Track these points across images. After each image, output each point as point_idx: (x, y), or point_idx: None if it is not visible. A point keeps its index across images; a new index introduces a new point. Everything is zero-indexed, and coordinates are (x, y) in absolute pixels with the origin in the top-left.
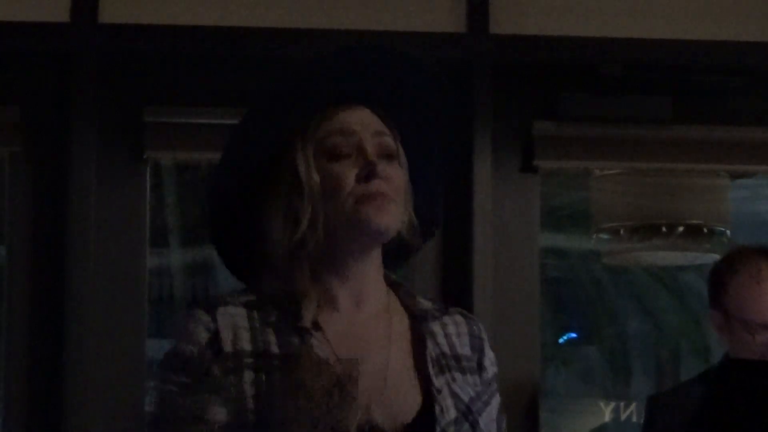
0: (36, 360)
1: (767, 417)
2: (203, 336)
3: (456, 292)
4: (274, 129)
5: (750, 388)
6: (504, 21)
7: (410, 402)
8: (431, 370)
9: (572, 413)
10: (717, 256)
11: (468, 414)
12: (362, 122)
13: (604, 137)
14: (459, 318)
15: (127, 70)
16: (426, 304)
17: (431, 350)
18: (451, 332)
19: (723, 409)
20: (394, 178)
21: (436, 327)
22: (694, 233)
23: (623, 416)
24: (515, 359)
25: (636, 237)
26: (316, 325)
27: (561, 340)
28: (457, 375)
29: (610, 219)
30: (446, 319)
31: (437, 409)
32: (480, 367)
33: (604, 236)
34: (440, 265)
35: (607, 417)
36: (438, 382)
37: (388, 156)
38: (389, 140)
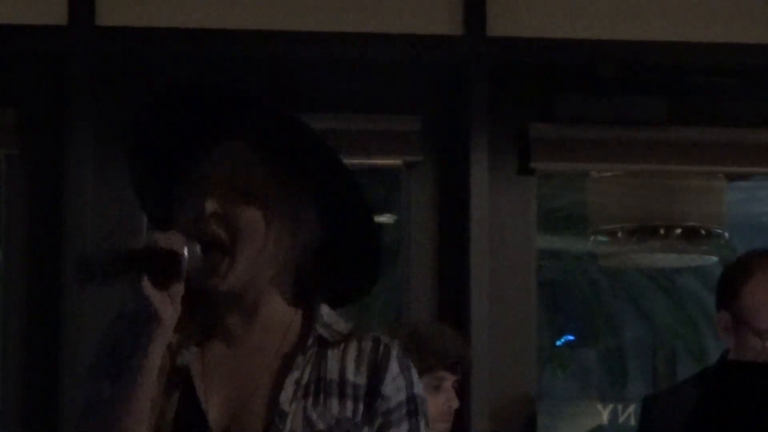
0: (32, 361)
1: (763, 418)
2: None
3: (452, 295)
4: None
5: (747, 389)
6: (501, 23)
7: (256, 423)
8: (282, 395)
9: (569, 415)
10: (714, 258)
11: None
12: (218, 159)
13: (600, 139)
14: (366, 344)
15: (124, 73)
16: (339, 328)
17: (300, 375)
18: (349, 357)
19: (719, 409)
20: (237, 218)
21: (332, 353)
22: (691, 235)
23: (621, 418)
24: (512, 362)
25: (633, 239)
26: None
27: (558, 343)
28: (331, 401)
29: (606, 221)
30: (352, 344)
31: None
32: (375, 394)
33: (601, 238)
34: (437, 267)
35: (605, 419)
36: (289, 406)
37: (244, 194)
38: (248, 178)
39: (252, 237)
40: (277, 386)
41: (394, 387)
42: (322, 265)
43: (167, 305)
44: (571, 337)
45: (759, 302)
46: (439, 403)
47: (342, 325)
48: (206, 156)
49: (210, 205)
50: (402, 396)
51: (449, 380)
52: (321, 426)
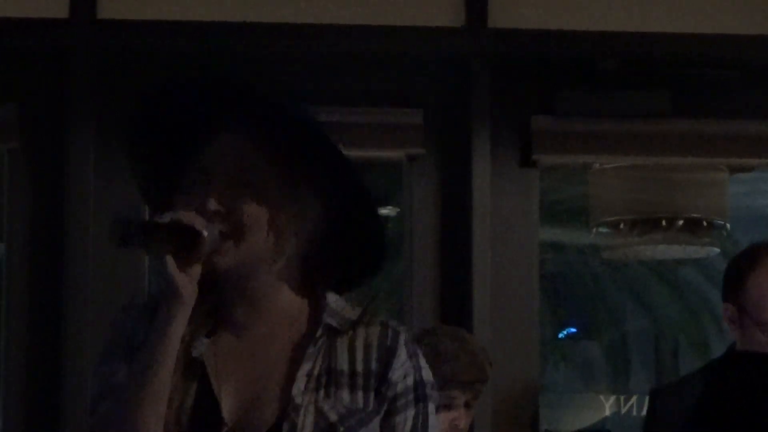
0: (35, 354)
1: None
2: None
3: (455, 287)
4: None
5: (753, 380)
6: (502, 15)
7: (269, 415)
8: (295, 388)
9: (572, 408)
10: (716, 250)
11: (329, 431)
12: (219, 153)
13: (602, 132)
14: (374, 329)
15: (125, 66)
16: (346, 315)
17: (311, 367)
18: (358, 345)
19: (725, 400)
20: (240, 212)
21: (340, 341)
22: (694, 227)
23: (623, 410)
24: (514, 354)
25: (635, 231)
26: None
27: (560, 335)
28: (341, 392)
29: (608, 213)
30: (360, 330)
31: (285, 426)
32: (383, 381)
33: (603, 230)
34: (439, 260)
35: (607, 411)
36: (302, 398)
37: (245, 186)
38: (249, 171)
39: (255, 230)
40: (289, 378)
41: (401, 373)
42: (327, 255)
43: (188, 284)
44: (573, 330)
45: (762, 294)
46: (447, 420)
47: (350, 312)
48: (207, 150)
49: (212, 201)
50: (409, 381)
51: (461, 399)
52: (333, 417)
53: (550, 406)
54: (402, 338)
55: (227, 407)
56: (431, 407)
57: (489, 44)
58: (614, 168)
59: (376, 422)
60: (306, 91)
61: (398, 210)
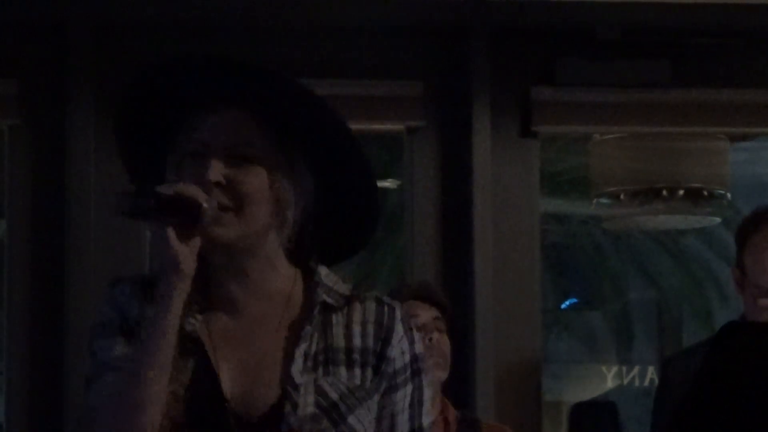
0: (37, 331)
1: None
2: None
3: (456, 259)
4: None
5: (748, 351)
6: None
7: (269, 394)
8: (294, 367)
9: (575, 378)
10: (717, 219)
11: (331, 410)
12: (217, 127)
13: (603, 102)
14: (370, 305)
15: (124, 41)
16: (340, 290)
17: (308, 346)
18: (354, 321)
19: (720, 372)
20: (241, 183)
21: (336, 317)
22: (694, 196)
23: (626, 380)
24: (517, 325)
25: (636, 201)
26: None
27: (562, 306)
28: (339, 370)
29: (610, 183)
30: (355, 306)
31: (287, 405)
32: (381, 357)
33: (605, 201)
34: (440, 231)
35: (610, 381)
36: (301, 378)
37: (244, 159)
38: (247, 144)
39: (255, 201)
40: (287, 357)
41: (399, 349)
42: (319, 227)
43: (188, 256)
44: (575, 300)
45: (760, 257)
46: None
47: (342, 287)
48: (205, 123)
49: (213, 173)
50: (407, 358)
51: (425, 312)
52: (334, 396)
53: (553, 377)
54: (398, 314)
55: (227, 385)
56: (425, 380)
57: (488, 15)
58: (615, 138)
59: (374, 399)
60: (306, 63)
61: (399, 182)
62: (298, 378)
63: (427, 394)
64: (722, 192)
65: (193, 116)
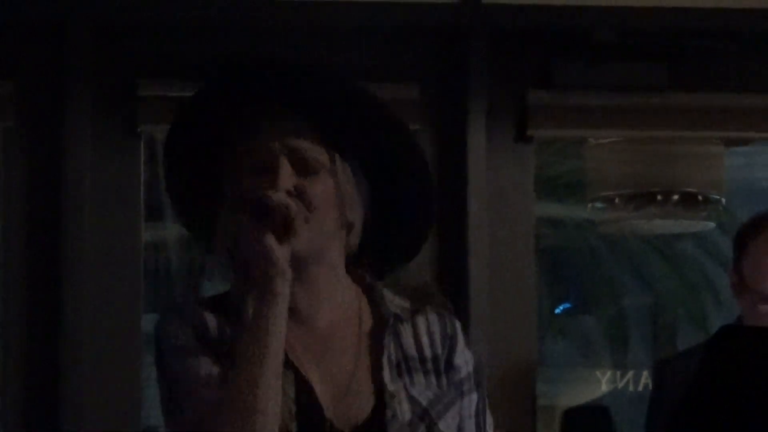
0: (32, 333)
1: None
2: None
3: (451, 263)
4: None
5: (742, 356)
6: None
7: (364, 404)
8: (386, 376)
9: (569, 383)
10: (712, 224)
11: (424, 416)
12: (281, 136)
13: (598, 105)
14: (432, 317)
15: (121, 43)
16: (400, 303)
17: (390, 355)
18: (421, 332)
19: (715, 378)
20: (308, 190)
21: (404, 328)
22: (690, 201)
23: (620, 385)
24: (511, 329)
25: (631, 205)
26: None
27: (557, 310)
28: (419, 377)
29: (605, 188)
30: (418, 318)
31: (388, 413)
32: (449, 366)
33: (600, 205)
34: (435, 235)
35: (605, 386)
36: (393, 386)
37: (309, 166)
38: (310, 153)
39: (323, 207)
40: (374, 367)
41: (463, 359)
42: (375, 242)
43: (287, 260)
44: (570, 305)
45: (759, 262)
46: None
47: (399, 300)
48: (265, 133)
49: (284, 180)
50: (470, 367)
51: None
52: (425, 402)
53: (548, 381)
54: (458, 325)
55: (321, 396)
56: (485, 392)
57: (484, 18)
58: (610, 143)
59: (458, 405)
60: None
61: None
62: (391, 386)
63: (487, 405)
64: (717, 197)
65: (252, 125)
